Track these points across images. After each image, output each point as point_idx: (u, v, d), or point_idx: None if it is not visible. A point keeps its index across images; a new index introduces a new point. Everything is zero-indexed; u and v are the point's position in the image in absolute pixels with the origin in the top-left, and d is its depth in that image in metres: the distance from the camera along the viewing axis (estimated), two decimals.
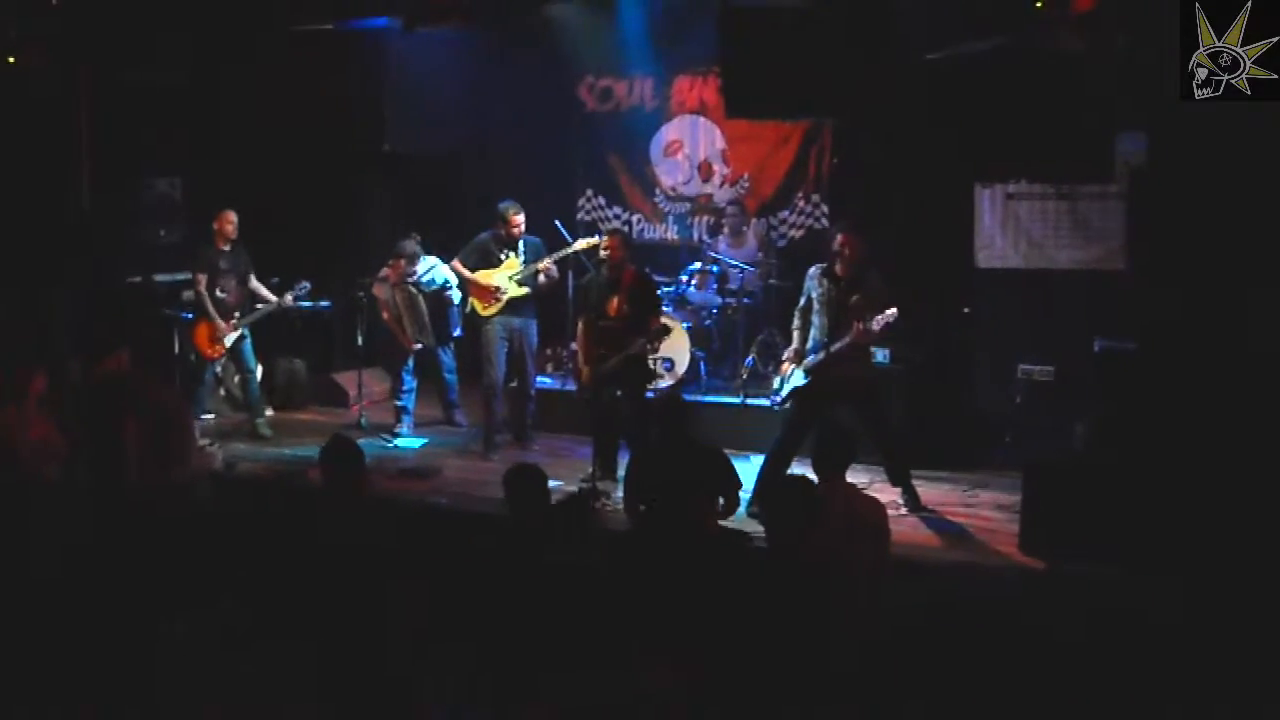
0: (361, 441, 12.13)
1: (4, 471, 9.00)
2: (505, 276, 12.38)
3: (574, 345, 12.05)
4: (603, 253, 11.44)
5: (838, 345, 10.21)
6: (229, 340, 13.06)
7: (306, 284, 13.33)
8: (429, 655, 7.22)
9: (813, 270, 10.56)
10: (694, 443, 9.13)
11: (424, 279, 13.15)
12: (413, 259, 13.07)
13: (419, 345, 13.17)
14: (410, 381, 13.28)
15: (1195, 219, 9.52)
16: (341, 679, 6.98)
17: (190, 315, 13.42)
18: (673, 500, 8.50)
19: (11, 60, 13.36)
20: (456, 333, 13.34)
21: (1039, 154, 11.90)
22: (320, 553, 7.56)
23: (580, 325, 11.49)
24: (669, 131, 15.34)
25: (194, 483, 9.25)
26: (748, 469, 11.31)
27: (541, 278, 12.46)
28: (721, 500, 8.74)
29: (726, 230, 14.35)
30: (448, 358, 13.44)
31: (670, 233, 15.35)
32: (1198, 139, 9.23)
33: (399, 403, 13.32)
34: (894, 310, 9.97)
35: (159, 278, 14.49)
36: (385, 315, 13.38)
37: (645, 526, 8.78)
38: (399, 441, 12.91)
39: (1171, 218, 9.86)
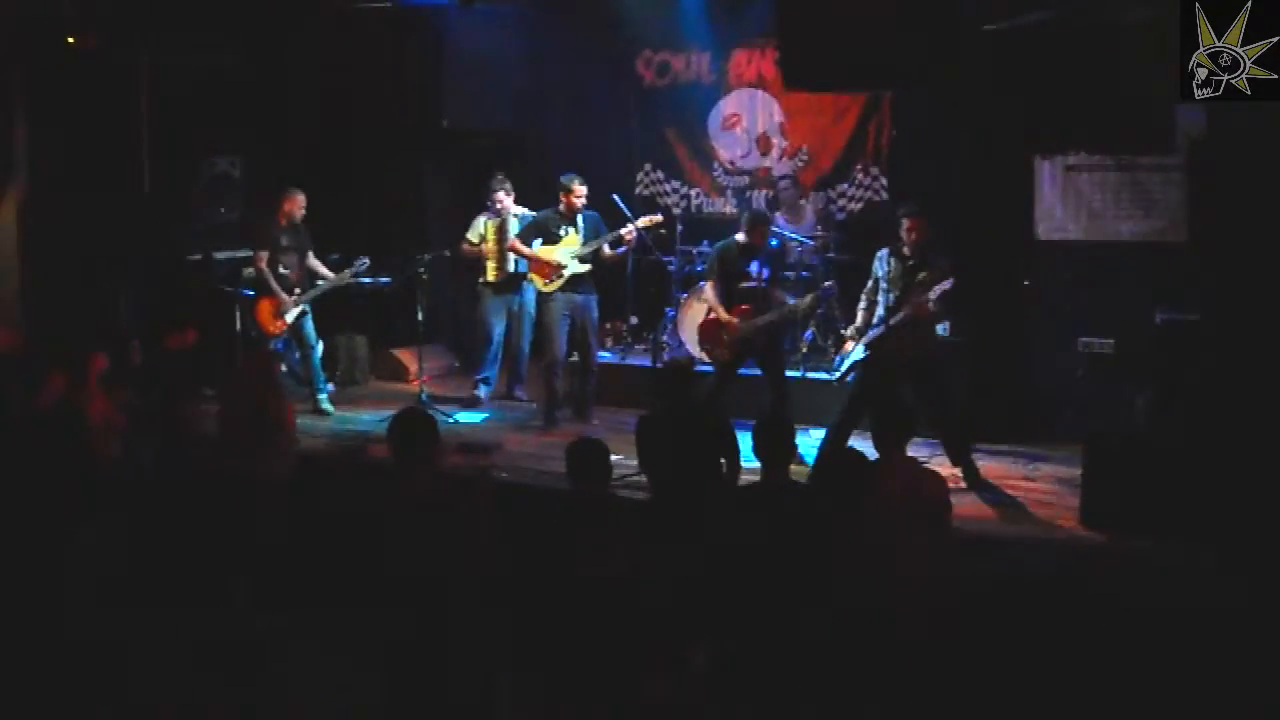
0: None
1: (69, 446, 9.09)
2: (567, 253, 12.43)
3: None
4: (740, 236, 11.58)
5: (897, 318, 10.24)
6: (291, 316, 13.15)
7: (366, 260, 13.41)
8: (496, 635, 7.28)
9: (881, 252, 10.65)
10: (698, 408, 9.19)
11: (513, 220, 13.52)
12: (498, 186, 13.53)
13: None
14: (496, 338, 13.69)
15: (1256, 190, 9.46)
16: (406, 651, 7.04)
17: (251, 292, 13.51)
18: (679, 466, 8.57)
19: (70, 40, 13.46)
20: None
21: (1099, 125, 11.82)
22: (385, 526, 7.60)
23: (710, 289, 11.64)
24: (727, 105, 15.31)
25: (283, 473, 9.28)
26: (806, 442, 11.36)
27: (606, 249, 12.54)
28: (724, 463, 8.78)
29: (783, 205, 14.36)
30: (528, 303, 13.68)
31: (729, 206, 15.33)
32: (1257, 110, 9.17)
33: (480, 375, 13.67)
34: (950, 280, 10.01)
35: (219, 255, 14.58)
36: (465, 247, 13.74)
37: (657, 494, 8.84)
38: (459, 416, 12.98)
39: (1232, 189, 9.80)
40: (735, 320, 11.36)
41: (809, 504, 7.59)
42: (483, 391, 13.61)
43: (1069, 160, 12.42)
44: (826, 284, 12.00)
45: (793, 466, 8.19)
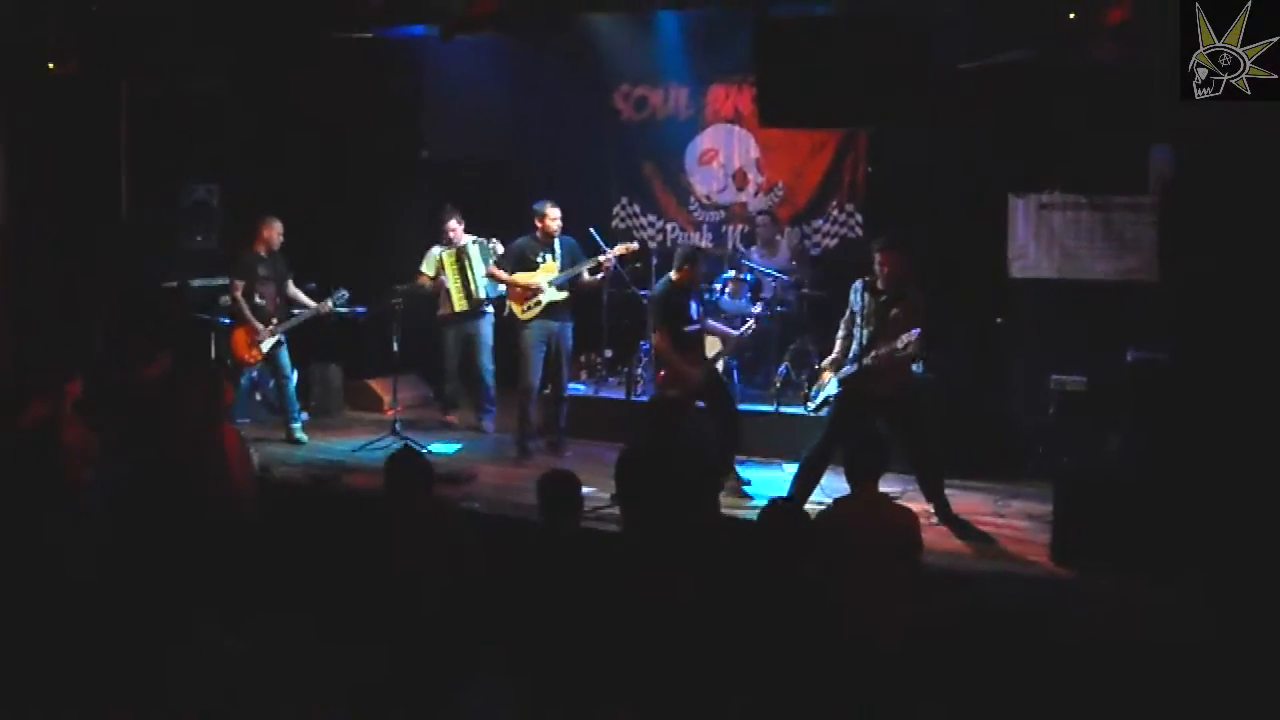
0: (396, 444, 12.31)
1: (41, 471, 9.09)
2: (544, 280, 12.49)
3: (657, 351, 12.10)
4: (674, 275, 11.53)
5: (869, 359, 10.26)
6: (266, 346, 13.14)
7: (345, 292, 13.42)
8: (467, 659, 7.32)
9: (856, 284, 10.61)
10: (679, 444, 9.20)
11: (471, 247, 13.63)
12: (448, 216, 13.71)
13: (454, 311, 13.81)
14: (453, 370, 14.05)
15: (1227, 231, 9.52)
16: (376, 682, 7.06)
17: (228, 321, 13.52)
18: (657, 500, 8.58)
19: (51, 67, 13.46)
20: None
21: (1072, 165, 11.92)
22: (361, 557, 7.65)
23: (664, 340, 11.45)
24: (704, 140, 15.39)
25: (245, 502, 9.28)
26: (780, 477, 11.40)
27: (585, 276, 12.63)
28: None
29: (759, 240, 14.41)
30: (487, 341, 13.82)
31: (705, 241, 15.37)
32: (1227, 149, 9.24)
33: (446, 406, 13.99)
34: (917, 330, 10.01)
35: (195, 283, 14.57)
36: (420, 279, 13.86)
37: (633, 527, 8.86)
38: (433, 447, 12.97)
39: (1204, 229, 9.87)
40: (696, 373, 11.40)
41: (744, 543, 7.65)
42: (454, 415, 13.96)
43: (1043, 199, 12.46)
44: (754, 311, 12.15)
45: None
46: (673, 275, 11.54)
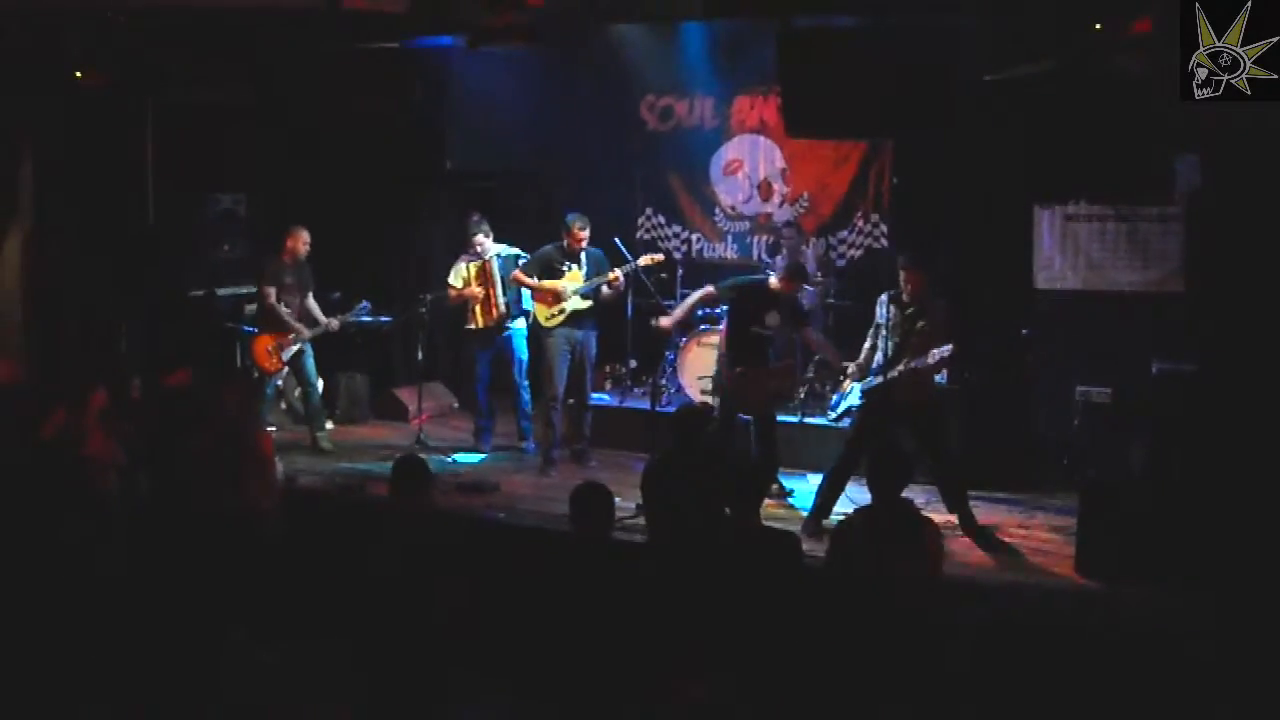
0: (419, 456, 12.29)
1: (66, 480, 9.13)
2: (569, 288, 12.45)
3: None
4: (775, 283, 11.44)
5: (894, 372, 10.26)
6: (288, 354, 13.15)
7: (366, 304, 13.44)
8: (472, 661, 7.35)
9: (883, 297, 10.62)
10: (707, 452, 9.18)
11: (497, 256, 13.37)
12: (476, 228, 13.33)
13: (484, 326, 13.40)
14: (485, 385, 13.47)
15: (1253, 241, 9.50)
16: (383, 683, 7.09)
17: (253, 329, 13.54)
18: (684, 508, 8.56)
19: (78, 76, 13.51)
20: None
21: (1098, 175, 11.90)
22: (376, 560, 7.67)
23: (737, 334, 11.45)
24: (729, 150, 15.37)
25: (271, 513, 9.27)
26: (804, 487, 11.40)
27: (605, 289, 12.56)
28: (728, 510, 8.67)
29: (784, 251, 14.40)
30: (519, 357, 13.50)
31: (730, 251, 15.39)
32: (1254, 160, 9.21)
33: (481, 422, 13.51)
34: (949, 346, 9.99)
35: (221, 292, 14.61)
36: (450, 293, 13.51)
37: (660, 537, 8.85)
38: (458, 456, 12.98)
39: (1229, 240, 9.84)
40: (786, 385, 11.39)
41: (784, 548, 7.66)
42: (486, 442, 13.52)
43: (1068, 210, 12.46)
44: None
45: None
46: (772, 280, 11.49)
